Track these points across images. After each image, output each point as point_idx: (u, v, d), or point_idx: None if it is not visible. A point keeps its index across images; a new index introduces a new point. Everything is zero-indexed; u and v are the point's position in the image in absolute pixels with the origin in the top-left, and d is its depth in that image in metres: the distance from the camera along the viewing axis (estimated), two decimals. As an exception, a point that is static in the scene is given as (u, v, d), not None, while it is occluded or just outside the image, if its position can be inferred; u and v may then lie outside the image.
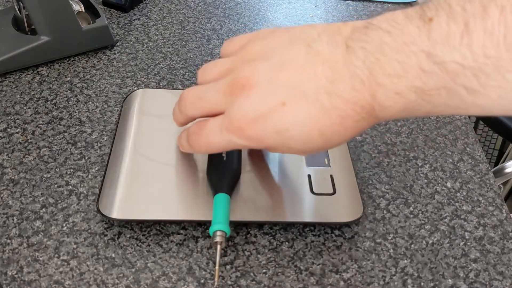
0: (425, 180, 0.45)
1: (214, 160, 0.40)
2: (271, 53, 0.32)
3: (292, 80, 0.30)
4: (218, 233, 0.35)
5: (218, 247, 0.35)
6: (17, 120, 0.47)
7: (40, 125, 0.47)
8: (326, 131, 0.30)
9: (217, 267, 0.35)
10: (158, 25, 0.62)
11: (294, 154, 0.43)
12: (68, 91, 0.51)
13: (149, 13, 0.64)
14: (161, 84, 0.53)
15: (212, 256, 0.37)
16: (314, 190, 0.41)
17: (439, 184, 0.45)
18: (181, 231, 0.39)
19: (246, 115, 0.31)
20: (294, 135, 0.31)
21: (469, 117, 0.55)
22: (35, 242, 0.37)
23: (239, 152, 0.42)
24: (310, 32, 0.32)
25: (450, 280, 0.38)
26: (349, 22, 0.31)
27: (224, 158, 0.40)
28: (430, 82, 0.26)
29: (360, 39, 0.29)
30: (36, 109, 0.49)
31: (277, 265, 0.37)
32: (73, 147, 0.45)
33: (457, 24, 0.25)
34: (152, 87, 0.53)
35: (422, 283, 0.37)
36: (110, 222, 0.39)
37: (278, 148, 0.33)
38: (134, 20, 0.63)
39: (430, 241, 0.40)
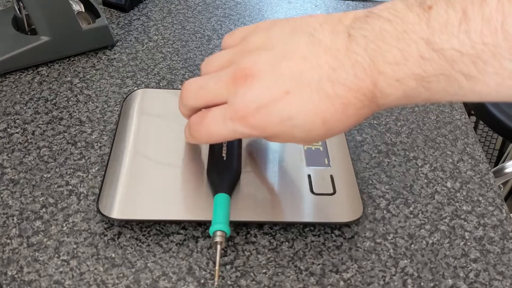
0: (425, 180, 0.45)
1: (214, 160, 0.40)
2: (273, 43, 0.33)
3: (295, 70, 0.31)
4: (218, 233, 0.35)
5: (218, 247, 0.35)
6: (17, 120, 0.47)
7: (40, 125, 0.47)
8: (330, 119, 0.30)
9: (217, 267, 0.35)
10: (158, 25, 0.62)
11: (294, 155, 0.43)
12: (68, 91, 0.51)
13: (149, 13, 0.64)
14: (161, 84, 0.53)
15: (212, 256, 0.37)
16: (314, 190, 0.41)
17: (439, 184, 0.45)
18: (181, 231, 0.39)
19: (250, 105, 0.32)
20: (297, 124, 0.31)
21: (469, 116, 0.55)
22: (35, 242, 0.37)
23: (239, 152, 0.42)
24: (312, 22, 0.32)
25: (450, 280, 0.38)
26: (350, 12, 0.31)
27: (224, 158, 0.40)
28: (429, 69, 0.27)
29: (361, 27, 0.29)
30: (36, 109, 0.49)
31: (277, 265, 0.37)
32: (73, 147, 0.45)
33: (456, 11, 0.25)
34: (152, 87, 0.53)
35: (422, 283, 0.37)
36: (110, 222, 0.39)
37: (281, 137, 0.33)
38: (134, 20, 0.63)
39: (430, 241, 0.40)
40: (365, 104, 0.30)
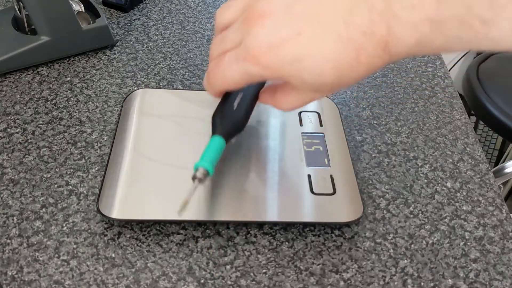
0: (425, 180, 0.45)
1: (224, 106, 0.39)
2: None
3: (310, 11, 0.30)
4: (201, 169, 0.35)
5: (196, 181, 0.35)
6: (17, 120, 0.47)
7: (40, 125, 0.47)
8: (340, 64, 0.30)
9: (188, 200, 0.35)
10: (158, 25, 0.62)
11: (294, 155, 0.43)
12: (68, 91, 0.51)
13: (149, 13, 0.64)
14: (161, 84, 0.53)
15: (212, 256, 0.37)
16: (314, 190, 0.41)
17: (439, 184, 0.45)
18: (181, 231, 0.39)
19: (261, 43, 0.31)
20: (307, 66, 0.31)
21: (469, 116, 0.55)
22: (35, 242, 0.37)
23: (251, 107, 0.40)
24: None
25: (450, 280, 0.38)
26: None
27: (234, 108, 0.39)
28: (445, 12, 0.27)
29: None
30: (36, 109, 0.49)
31: (277, 265, 0.37)
32: (73, 147, 0.45)
33: None
34: (152, 87, 0.53)
35: (422, 283, 0.37)
36: (110, 222, 0.39)
37: (291, 80, 0.33)
38: (134, 20, 0.63)
39: (430, 241, 0.40)
40: (378, 54, 0.30)
